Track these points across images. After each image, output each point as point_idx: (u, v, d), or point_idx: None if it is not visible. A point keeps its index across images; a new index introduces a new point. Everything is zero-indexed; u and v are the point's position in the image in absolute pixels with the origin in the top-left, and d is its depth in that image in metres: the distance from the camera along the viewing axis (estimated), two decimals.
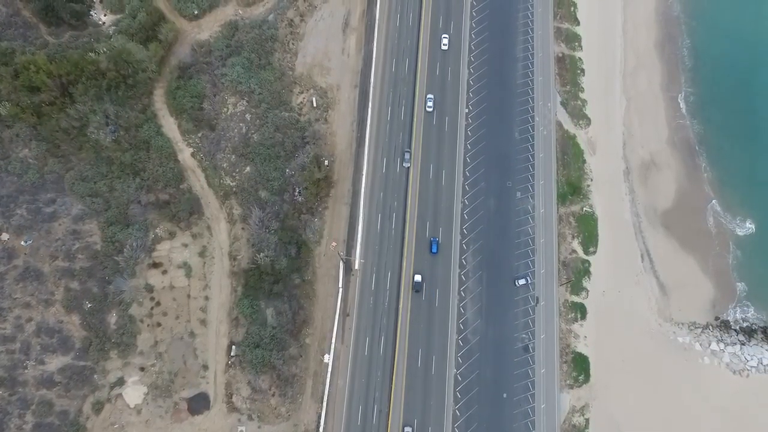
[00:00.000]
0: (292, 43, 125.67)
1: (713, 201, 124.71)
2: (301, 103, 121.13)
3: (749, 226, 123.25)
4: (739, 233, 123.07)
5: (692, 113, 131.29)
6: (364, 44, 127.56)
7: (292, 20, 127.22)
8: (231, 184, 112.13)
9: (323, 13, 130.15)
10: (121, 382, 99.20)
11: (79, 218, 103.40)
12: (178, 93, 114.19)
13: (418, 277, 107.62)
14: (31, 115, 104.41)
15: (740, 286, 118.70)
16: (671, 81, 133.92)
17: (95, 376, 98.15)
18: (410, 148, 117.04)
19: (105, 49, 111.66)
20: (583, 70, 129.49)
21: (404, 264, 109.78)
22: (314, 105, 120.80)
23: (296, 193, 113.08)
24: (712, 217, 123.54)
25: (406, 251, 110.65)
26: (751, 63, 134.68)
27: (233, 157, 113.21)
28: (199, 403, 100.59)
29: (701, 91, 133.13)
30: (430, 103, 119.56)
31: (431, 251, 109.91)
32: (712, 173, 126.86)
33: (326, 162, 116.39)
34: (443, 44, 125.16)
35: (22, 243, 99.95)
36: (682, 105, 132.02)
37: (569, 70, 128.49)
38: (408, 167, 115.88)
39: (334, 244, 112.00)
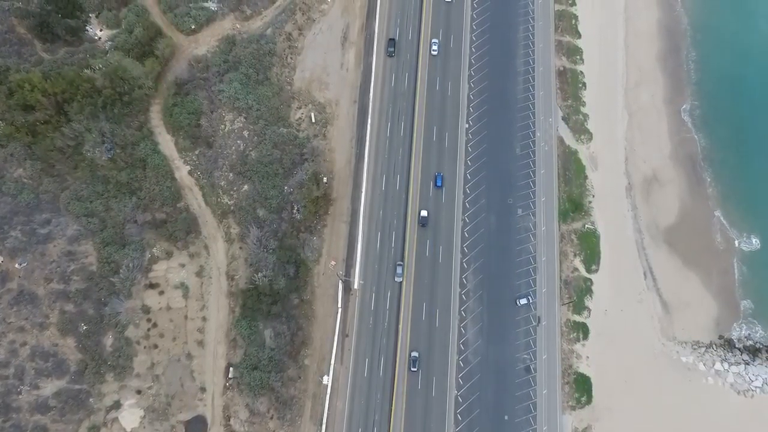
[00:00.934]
0: (291, 58, 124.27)
1: (717, 216, 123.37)
2: (300, 118, 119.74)
3: (755, 242, 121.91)
4: (744, 249, 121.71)
5: (696, 127, 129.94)
6: (363, 58, 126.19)
7: (290, 34, 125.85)
8: (229, 202, 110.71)
9: (322, 27, 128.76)
10: (117, 405, 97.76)
11: (74, 239, 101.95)
12: (175, 110, 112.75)
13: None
14: (26, 135, 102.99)
15: (745, 303, 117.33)
16: (674, 94, 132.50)
17: (91, 399, 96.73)
18: (409, 167, 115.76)
19: (101, 66, 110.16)
20: (584, 84, 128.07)
21: (404, 283, 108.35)
22: (313, 121, 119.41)
23: (294, 211, 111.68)
24: (716, 233, 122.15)
25: (406, 271, 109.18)
26: (757, 76, 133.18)
27: (231, 175, 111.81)
28: (196, 426, 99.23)
29: (705, 104, 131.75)
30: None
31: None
32: (716, 188, 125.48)
33: (325, 179, 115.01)
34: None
35: (17, 266, 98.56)
36: (685, 119, 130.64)
37: (570, 84, 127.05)
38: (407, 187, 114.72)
39: (333, 262, 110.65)
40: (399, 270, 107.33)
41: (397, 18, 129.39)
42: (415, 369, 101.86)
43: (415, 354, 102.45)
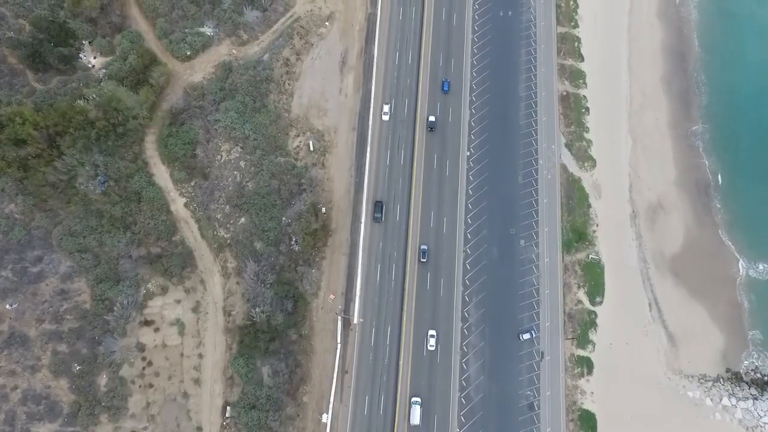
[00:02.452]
0: (288, 84, 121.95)
1: (725, 244, 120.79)
2: (298, 147, 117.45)
3: (763, 269, 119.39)
4: (753, 276, 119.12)
5: (701, 152, 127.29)
6: (363, 84, 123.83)
7: (287, 59, 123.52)
8: (225, 236, 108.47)
9: (320, 51, 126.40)
10: None
11: (67, 277, 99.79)
12: (170, 141, 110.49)
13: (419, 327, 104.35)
14: (17, 169, 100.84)
15: (753, 334, 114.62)
16: (679, 118, 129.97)
17: None
18: (410, 197, 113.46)
19: (94, 96, 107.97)
20: (587, 109, 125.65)
21: (404, 319, 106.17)
22: (311, 149, 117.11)
23: (293, 243, 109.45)
24: (723, 261, 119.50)
25: (407, 305, 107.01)
26: (765, 97, 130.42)
27: (227, 207, 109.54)
28: None
29: (711, 128, 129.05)
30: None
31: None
32: (722, 214, 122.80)
33: (323, 209, 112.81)
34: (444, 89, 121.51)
35: (7, 307, 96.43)
36: (691, 143, 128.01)
37: (573, 109, 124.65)
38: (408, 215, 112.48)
39: (332, 296, 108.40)
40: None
41: (397, 42, 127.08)
42: (417, 406, 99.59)
43: (416, 399, 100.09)
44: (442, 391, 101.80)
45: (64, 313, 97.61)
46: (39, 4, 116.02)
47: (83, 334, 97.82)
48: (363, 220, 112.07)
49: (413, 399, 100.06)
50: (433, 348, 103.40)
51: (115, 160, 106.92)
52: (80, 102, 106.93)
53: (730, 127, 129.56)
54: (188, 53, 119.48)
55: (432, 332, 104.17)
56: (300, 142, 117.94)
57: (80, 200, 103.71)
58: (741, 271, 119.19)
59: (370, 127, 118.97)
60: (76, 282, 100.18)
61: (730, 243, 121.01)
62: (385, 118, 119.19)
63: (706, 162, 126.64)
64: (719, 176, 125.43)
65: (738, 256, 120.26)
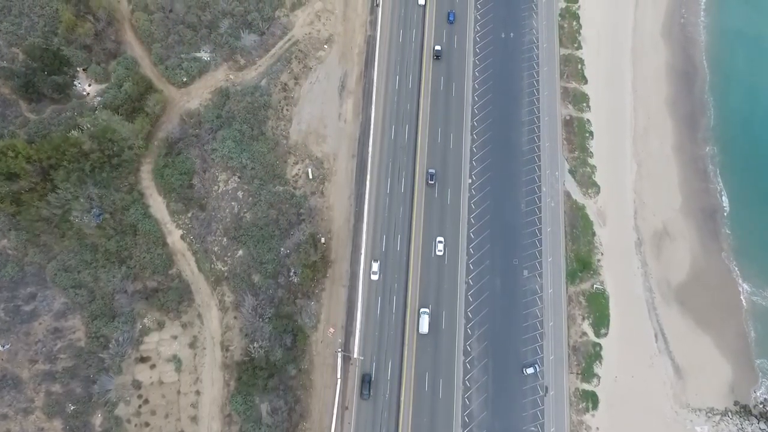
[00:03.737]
0: (286, 109, 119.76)
1: (730, 271, 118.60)
2: (296, 174, 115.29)
3: None
4: (760, 302, 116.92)
5: (708, 176, 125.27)
6: (362, 109, 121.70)
7: (285, 84, 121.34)
8: (223, 269, 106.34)
9: (319, 75, 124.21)
10: None
11: (61, 314, 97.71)
12: (166, 171, 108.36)
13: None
14: (10, 204, 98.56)
15: (761, 363, 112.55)
16: (684, 141, 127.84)
17: None
18: (410, 227, 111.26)
19: (89, 125, 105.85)
20: (591, 133, 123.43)
21: (405, 353, 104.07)
22: (310, 177, 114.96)
23: (291, 274, 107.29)
24: (730, 289, 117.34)
25: (407, 339, 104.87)
26: None
27: (225, 240, 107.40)
28: None
29: (718, 151, 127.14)
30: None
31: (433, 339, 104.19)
32: (728, 241, 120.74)
33: (323, 239, 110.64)
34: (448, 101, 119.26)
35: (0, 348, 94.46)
36: (697, 167, 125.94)
37: (577, 134, 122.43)
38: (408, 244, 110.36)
39: (331, 330, 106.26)
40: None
41: (397, 65, 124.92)
42: None
43: None
44: (444, 427, 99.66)
45: (57, 352, 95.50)
46: (32, 32, 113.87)
47: (78, 373, 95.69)
48: (363, 250, 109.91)
49: None
50: (433, 381, 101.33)
51: (110, 192, 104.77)
52: (74, 133, 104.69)
53: (737, 150, 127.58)
54: (184, 79, 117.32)
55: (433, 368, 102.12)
56: (299, 169, 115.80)
57: (74, 234, 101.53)
58: (748, 298, 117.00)
59: (369, 153, 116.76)
60: (70, 319, 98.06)
61: (737, 270, 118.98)
62: (387, 141, 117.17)
63: (713, 187, 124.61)
64: (726, 201, 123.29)
65: (744, 284, 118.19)
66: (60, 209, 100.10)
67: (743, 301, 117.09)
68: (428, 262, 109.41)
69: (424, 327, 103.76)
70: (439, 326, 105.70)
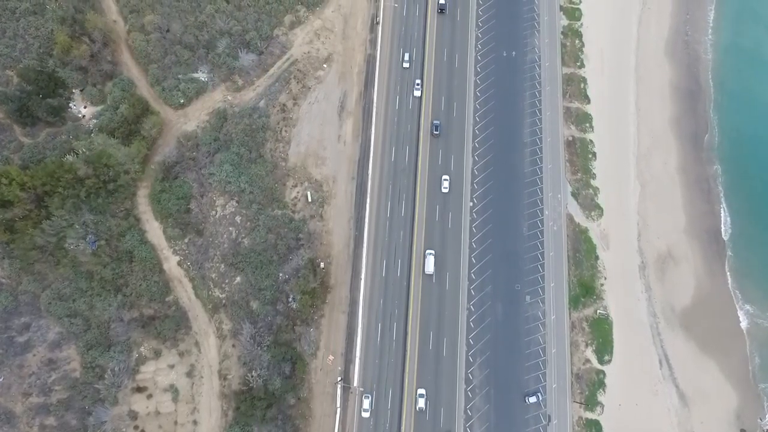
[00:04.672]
0: (285, 131, 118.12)
1: (735, 295, 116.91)
2: (295, 198, 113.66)
3: None
4: (765, 325, 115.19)
5: (713, 197, 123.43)
6: (362, 130, 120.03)
7: (284, 105, 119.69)
8: (220, 296, 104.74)
9: (317, 95, 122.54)
10: None
11: (55, 344, 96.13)
12: (163, 196, 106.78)
13: (421, 390, 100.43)
14: (3, 232, 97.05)
15: (764, 387, 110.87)
16: (688, 161, 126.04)
17: None
18: (411, 252, 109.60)
19: (84, 149, 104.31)
20: (594, 154, 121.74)
21: (406, 380, 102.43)
22: (309, 200, 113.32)
23: (290, 300, 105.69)
24: (735, 314, 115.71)
25: (408, 366, 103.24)
26: None
27: (222, 266, 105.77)
28: None
29: (723, 171, 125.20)
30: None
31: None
32: (733, 264, 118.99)
33: (322, 264, 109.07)
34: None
35: None
36: (701, 188, 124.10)
37: (580, 156, 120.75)
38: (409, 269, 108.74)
39: (331, 358, 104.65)
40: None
41: (397, 85, 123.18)
42: None
43: None
44: None
45: (52, 383, 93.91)
46: (27, 54, 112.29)
47: (72, 404, 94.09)
48: (363, 275, 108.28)
49: None
50: (434, 409, 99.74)
51: (105, 218, 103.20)
52: (69, 157, 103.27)
53: (742, 170, 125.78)
54: (181, 101, 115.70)
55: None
56: (298, 192, 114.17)
57: (69, 262, 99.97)
58: (752, 323, 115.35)
59: (369, 176, 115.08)
60: (65, 349, 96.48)
61: (740, 293, 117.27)
62: (387, 163, 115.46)
63: (717, 208, 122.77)
64: (731, 223, 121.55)
65: (748, 307, 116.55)
66: (54, 237, 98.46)
67: (747, 325, 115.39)
68: (429, 291, 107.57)
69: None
70: (440, 354, 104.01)
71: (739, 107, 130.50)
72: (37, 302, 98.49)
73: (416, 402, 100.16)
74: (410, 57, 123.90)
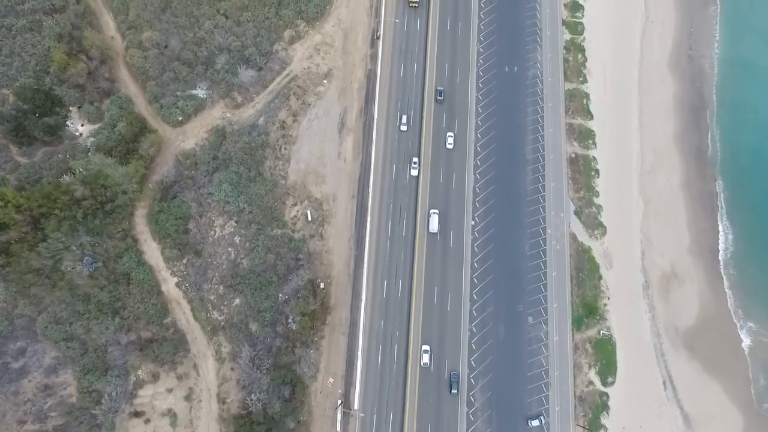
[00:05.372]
0: (285, 148, 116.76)
1: (740, 315, 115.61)
2: (295, 216, 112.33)
3: None
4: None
5: (717, 214, 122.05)
6: (362, 147, 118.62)
7: (284, 122, 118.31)
8: (219, 318, 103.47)
9: (318, 111, 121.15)
10: None
11: (51, 369, 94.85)
12: (161, 217, 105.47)
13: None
14: None
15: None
16: (692, 177, 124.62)
17: None
18: (412, 271, 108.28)
19: (81, 169, 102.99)
20: (597, 171, 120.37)
21: (407, 405, 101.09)
22: (309, 219, 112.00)
23: (290, 321, 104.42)
24: (740, 334, 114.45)
25: (409, 390, 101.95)
26: None
27: (221, 288, 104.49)
28: None
29: (727, 188, 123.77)
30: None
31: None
32: (738, 282, 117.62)
33: (322, 285, 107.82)
34: (448, 143, 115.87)
35: None
36: (705, 205, 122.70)
37: (583, 173, 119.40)
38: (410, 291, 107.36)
39: (331, 380, 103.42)
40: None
41: (398, 101, 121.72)
42: None
43: None
44: None
45: (48, 410, 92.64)
46: (23, 72, 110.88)
47: (69, 431, 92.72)
48: (363, 297, 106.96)
49: None
50: None
51: (103, 240, 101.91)
52: (66, 178, 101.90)
53: (746, 187, 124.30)
54: (180, 118, 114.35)
55: (437, 420, 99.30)
56: (297, 211, 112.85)
57: (66, 284, 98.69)
58: (756, 342, 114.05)
59: (370, 194, 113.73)
60: (61, 375, 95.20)
61: (744, 312, 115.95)
62: (387, 181, 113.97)
63: (721, 225, 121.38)
64: (735, 241, 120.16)
65: (753, 325, 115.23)
66: (51, 259, 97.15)
67: (750, 343, 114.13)
68: (431, 312, 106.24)
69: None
70: (441, 377, 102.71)
71: (741, 121, 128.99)
72: (33, 326, 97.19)
73: (417, 426, 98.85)
74: (411, 72, 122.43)
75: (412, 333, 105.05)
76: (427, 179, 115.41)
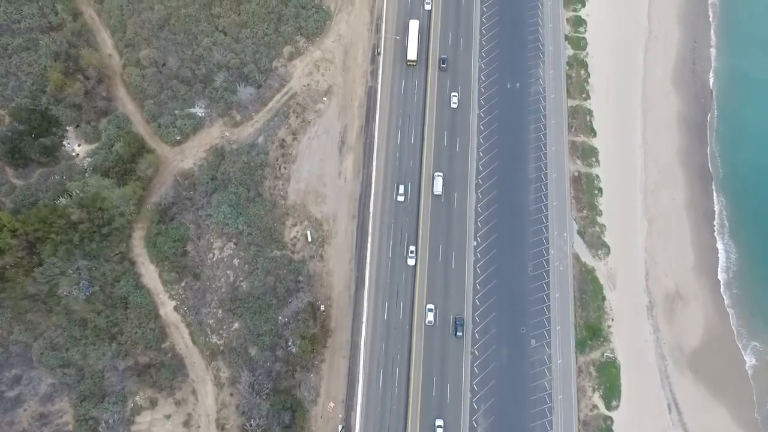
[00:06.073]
0: (284, 167, 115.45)
1: (743, 335, 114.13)
2: (295, 237, 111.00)
3: None
4: None
5: (721, 233, 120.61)
6: (363, 166, 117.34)
7: (283, 140, 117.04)
8: (218, 342, 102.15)
9: (317, 130, 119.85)
10: None
11: (47, 397, 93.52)
12: (159, 239, 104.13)
13: None
14: None
15: None
16: (696, 195, 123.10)
17: None
18: (413, 294, 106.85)
19: (78, 191, 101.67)
20: (600, 190, 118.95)
21: (409, 427, 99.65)
22: (309, 240, 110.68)
23: (290, 344, 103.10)
24: (745, 356, 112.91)
25: (411, 415, 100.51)
26: None
27: (220, 312, 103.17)
28: None
29: (732, 206, 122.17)
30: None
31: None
32: (742, 302, 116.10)
33: (322, 307, 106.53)
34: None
35: None
36: (710, 223, 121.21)
37: (586, 192, 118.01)
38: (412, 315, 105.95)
39: (331, 405, 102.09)
40: None
41: (399, 119, 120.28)
42: None
43: None
44: None
45: None
46: (19, 92, 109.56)
47: None
48: (364, 319, 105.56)
49: None
50: None
51: (99, 263, 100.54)
52: (62, 200, 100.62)
53: (750, 204, 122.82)
54: (178, 138, 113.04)
55: None
56: (297, 231, 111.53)
57: (62, 309, 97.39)
58: (761, 360, 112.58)
59: (371, 214, 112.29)
60: (57, 402, 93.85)
61: (748, 332, 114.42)
62: (388, 201, 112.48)
63: (726, 244, 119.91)
64: (740, 260, 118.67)
65: (759, 346, 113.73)
66: (47, 285, 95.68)
67: (756, 364, 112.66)
68: (432, 338, 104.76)
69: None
70: (444, 401, 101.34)
71: (746, 137, 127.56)
72: (28, 353, 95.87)
73: None
74: (412, 89, 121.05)
75: (414, 356, 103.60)
76: (429, 198, 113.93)
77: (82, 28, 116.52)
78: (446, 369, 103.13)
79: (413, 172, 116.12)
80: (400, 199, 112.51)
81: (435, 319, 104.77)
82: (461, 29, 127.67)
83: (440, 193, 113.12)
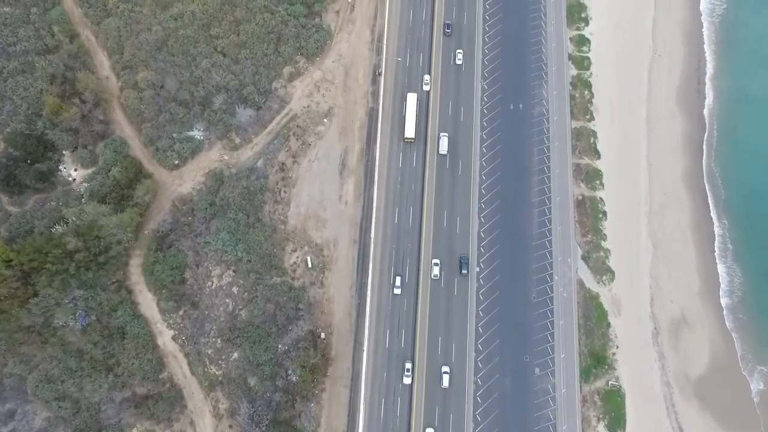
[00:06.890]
0: (284, 191, 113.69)
1: (749, 361, 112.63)
2: (295, 263, 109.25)
3: None
4: None
5: (727, 257, 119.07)
6: (364, 190, 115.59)
7: (283, 164, 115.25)
8: (217, 372, 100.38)
9: (318, 152, 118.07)
10: None
11: None
12: (156, 267, 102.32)
13: None
14: None
15: None
16: (701, 218, 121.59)
17: None
18: (415, 323, 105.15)
19: (74, 218, 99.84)
20: (605, 213, 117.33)
21: None
22: (309, 266, 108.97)
23: (290, 373, 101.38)
24: (752, 383, 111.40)
25: None
26: None
27: (219, 341, 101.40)
28: None
29: (737, 229, 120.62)
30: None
31: None
32: (748, 328, 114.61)
33: (322, 335, 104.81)
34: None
35: None
36: (715, 247, 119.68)
37: (590, 216, 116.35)
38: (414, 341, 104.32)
39: None
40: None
41: (399, 142, 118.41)
42: None
43: None
44: None
45: None
46: (15, 116, 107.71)
47: None
48: (365, 347, 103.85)
49: None
50: None
51: (96, 293, 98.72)
52: (58, 227, 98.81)
53: (756, 227, 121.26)
54: (176, 162, 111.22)
55: None
56: (297, 257, 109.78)
57: (58, 341, 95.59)
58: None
59: (372, 239, 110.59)
60: None
61: (755, 359, 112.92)
62: (390, 225, 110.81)
63: (732, 268, 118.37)
64: (746, 285, 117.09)
65: (766, 370, 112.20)
66: (42, 317, 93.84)
67: (763, 389, 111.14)
68: (434, 358, 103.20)
69: None
70: (446, 431, 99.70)
71: (751, 158, 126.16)
72: (23, 385, 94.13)
73: None
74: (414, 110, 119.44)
75: (415, 387, 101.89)
76: (431, 223, 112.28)
77: (78, 49, 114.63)
78: (449, 399, 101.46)
79: (415, 196, 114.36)
80: (403, 222, 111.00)
81: (438, 348, 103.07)
82: (464, 44, 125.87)
83: (443, 221, 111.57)
